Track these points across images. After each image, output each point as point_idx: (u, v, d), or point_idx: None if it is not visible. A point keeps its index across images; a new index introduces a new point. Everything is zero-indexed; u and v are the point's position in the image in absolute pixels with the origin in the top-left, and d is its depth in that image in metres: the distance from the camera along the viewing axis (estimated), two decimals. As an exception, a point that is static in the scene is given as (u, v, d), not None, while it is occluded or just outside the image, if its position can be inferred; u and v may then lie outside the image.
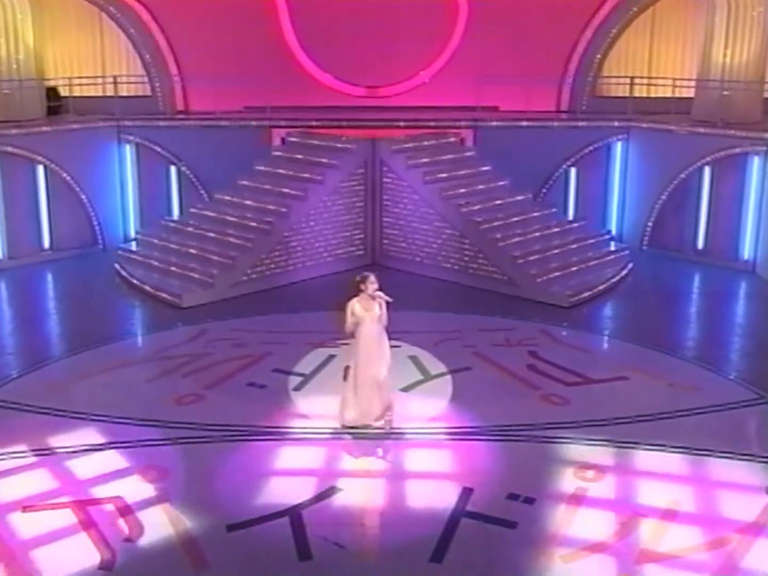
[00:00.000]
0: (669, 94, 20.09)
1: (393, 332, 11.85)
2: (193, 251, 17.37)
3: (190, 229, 18.09)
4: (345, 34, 20.92)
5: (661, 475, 10.24)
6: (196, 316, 15.73)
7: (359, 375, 11.27)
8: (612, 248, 18.84)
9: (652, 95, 20.91)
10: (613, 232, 19.64)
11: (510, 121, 19.86)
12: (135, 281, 17.22)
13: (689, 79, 19.77)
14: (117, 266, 18.05)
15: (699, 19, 20.08)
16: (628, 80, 20.25)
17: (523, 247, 17.29)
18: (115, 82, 20.16)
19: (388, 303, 11.16)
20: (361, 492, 9.98)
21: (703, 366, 13.59)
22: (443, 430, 11.44)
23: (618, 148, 19.80)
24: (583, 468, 10.32)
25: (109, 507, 9.60)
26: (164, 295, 16.45)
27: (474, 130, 19.91)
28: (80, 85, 20.33)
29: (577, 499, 9.74)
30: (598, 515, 9.44)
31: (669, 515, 9.45)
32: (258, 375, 13.12)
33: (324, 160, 18.54)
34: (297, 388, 12.68)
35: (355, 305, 11.15)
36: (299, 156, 18.99)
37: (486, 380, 13.01)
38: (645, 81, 20.48)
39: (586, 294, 16.62)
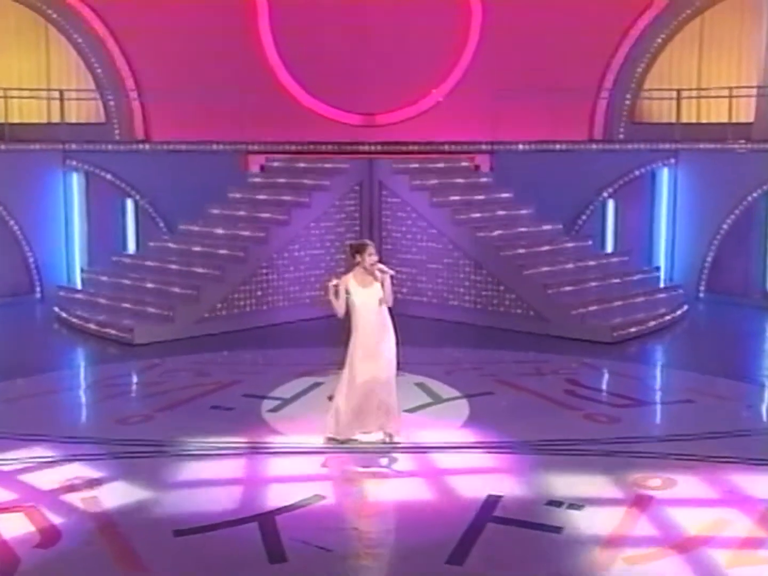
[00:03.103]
0: (724, 119, 19.42)
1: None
2: (150, 285, 16.46)
3: (148, 263, 17.26)
4: (336, 51, 20.36)
5: (742, 487, 9.31)
6: (151, 353, 14.64)
7: (355, 375, 10.24)
8: (661, 286, 17.82)
9: (703, 120, 20.23)
10: (662, 273, 18.59)
11: (534, 144, 19.08)
12: (77, 321, 16.18)
13: (749, 87, 19.07)
14: (57, 309, 16.96)
15: (756, 26, 19.59)
16: (674, 94, 19.47)
17: (552, 277, 16.37)
18: (61, 99, 19.50)
19: (391, 277, 10.19)
20: (352, 500, 9.17)
21: (786, 391, 12.57)
22: (461, 444, 10.56)
23: (664, 174, 19.00)
24: (644, 478, 9.46)
25: (18, 514, 8.58)
26: (111, 332, 15.40)
27: (491, 155, 19.15)
28: (19, 97, 19.59)
29: (641, 506, 8.79)
30: (667, 521, 8.50)
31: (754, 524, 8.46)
32: (224, 399, 12.24)
33: (311, 182, 17.77)
34: (273, 410, 11.77)
35: (348, 280, 10.10)
36: (281, 180, 18.33)
37: (513, 403, 12.16)
38: (695, 94, 19.71)
39: (633, 329, 15.56)
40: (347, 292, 10.13)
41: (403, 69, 20.56)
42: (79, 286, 17.99)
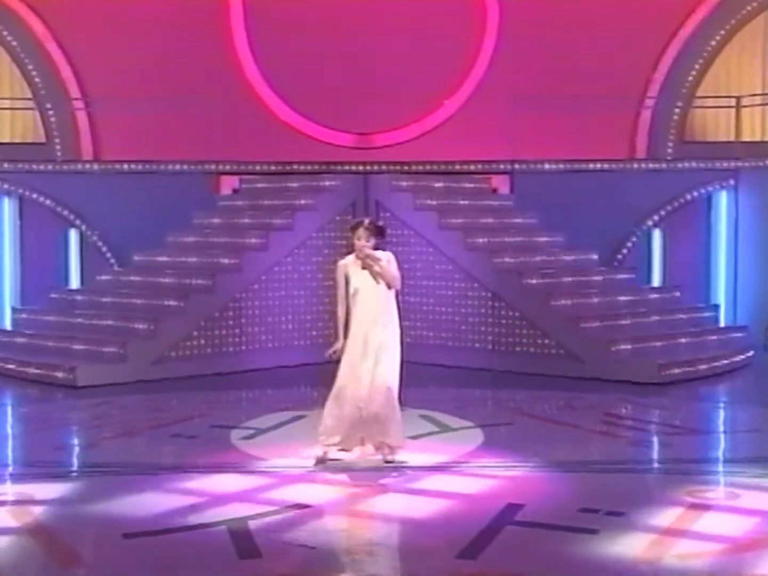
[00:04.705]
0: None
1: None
2: (97, 322, 16.62)
3: (95, 298, 17.45)
4: (324, 57, 20.62)
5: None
6: (97, 397, 14.70)
7: (344, 378, 10.44)
8: (721, 326, 18.04)
9: (768, 138, 20.50)
10: (722, 312, 18.73)
11: (563, 164, 19.35)
12: (7, 366, 16.26)
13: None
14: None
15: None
16: (732, 102, 19.79)
17: (585, 310, 16.60)
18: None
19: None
20: (342, 507, 9.44)
21: None
22: (474, 462, 10.83)
23: (722, 198, 19.25)
24: (702, 490, 9.74)
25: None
26: (50, 374, 15.51)
27: (511, 176, 19.39)
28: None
29: (696, 513, 8.96)
30: (728, 526, 8.68)
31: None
32: (186, 429, 12.48)
33: (294, 202, 18.00)
34: (246, 438, 11.95)
35: (348, 267, 10.40)
36: (259, 202, 18.57)
37: (538, 432, 12.43)
38: (758, 101, 19.98)
39: (685, 369, 15.65)
40: (346, 279, 10.33)
41: (405, 79, 20.64)
42: (8, 328, 18.03)
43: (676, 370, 15.69)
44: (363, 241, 10.38)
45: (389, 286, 10.38)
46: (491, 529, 8.36)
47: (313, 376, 15.18)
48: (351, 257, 10.51)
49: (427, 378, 16.08)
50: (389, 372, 10.38)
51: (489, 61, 21.13)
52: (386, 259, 10.42)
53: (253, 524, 8.52)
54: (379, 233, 10.54)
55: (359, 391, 10.34)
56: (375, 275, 10.36)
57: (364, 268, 10.40)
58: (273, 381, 16.08)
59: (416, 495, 9.62)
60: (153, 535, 8.33)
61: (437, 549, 7.97)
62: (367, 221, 10.61)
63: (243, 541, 8.07)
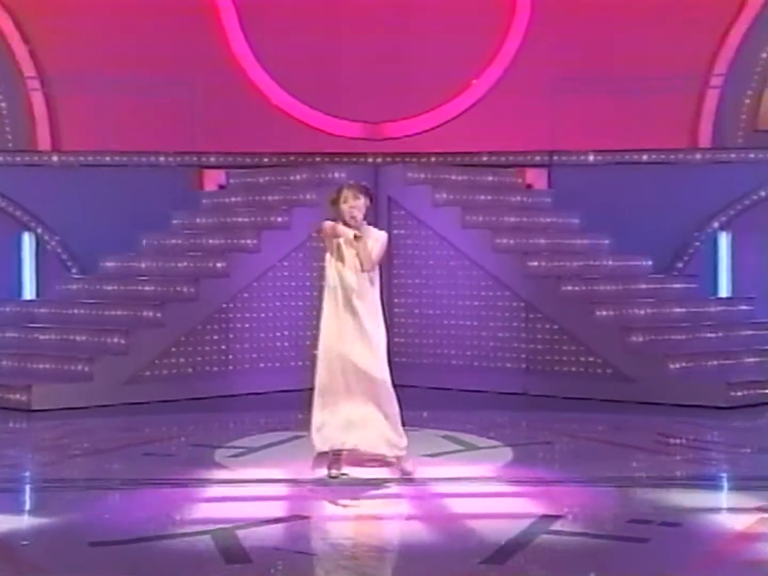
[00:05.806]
0: None
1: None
2: (56, 337, 16.81)
3: (55, 310, 17.71)
4: (328, 37, 20.81)
5: None
6: (57, 418, 14.89)
7: (326, 366, 10.67)
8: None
9: None
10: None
11: (610, 155, 19.53)
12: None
13: None
14: None
15: None
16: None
17: (637, 321, 16.77)
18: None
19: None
20: (348, 519, 9.68)
21: None
22: (506, 477, 11.11)
23: (802, 196, 19.44)
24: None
25: None
26: (1, 396, 15.63)
27: (549, 170, 19.57)
28: None
29: (763, 526, 9.03)
30: None
31: None
32: (162, 449, 12.88)
33: (291, 197, 18.18)
34: (235, 456, 12.22)
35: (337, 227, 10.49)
36: (250, 198, 18.85)
37: (579, 449, 12.89)
38: None
39: (757, 392, 15.78)
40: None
41: (423, 60, 20.83)
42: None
43: (746, 392, 15.72)
44: (351, 201, 10.41)
45: (362, 266, 10.46)
46: (522, 538, 8.53)
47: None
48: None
49: (448, 402, 16.37)
50: (379, 363, 10.56)
51: (522, 36, 21.18)
52: (375, 238, 10.51)
53: (241, 533, 8.69)
54: (365, 191, 10.59)
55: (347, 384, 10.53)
56: (358, 251, 10.42)
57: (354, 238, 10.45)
58: (265, 404, 16.24)
59: (434, 506, 9.90)
60: (123, 543, 8.52)
61: (457, 555, 8.15)
62: (347, 183, 10.77)
63: (230, 547, 8.26)
